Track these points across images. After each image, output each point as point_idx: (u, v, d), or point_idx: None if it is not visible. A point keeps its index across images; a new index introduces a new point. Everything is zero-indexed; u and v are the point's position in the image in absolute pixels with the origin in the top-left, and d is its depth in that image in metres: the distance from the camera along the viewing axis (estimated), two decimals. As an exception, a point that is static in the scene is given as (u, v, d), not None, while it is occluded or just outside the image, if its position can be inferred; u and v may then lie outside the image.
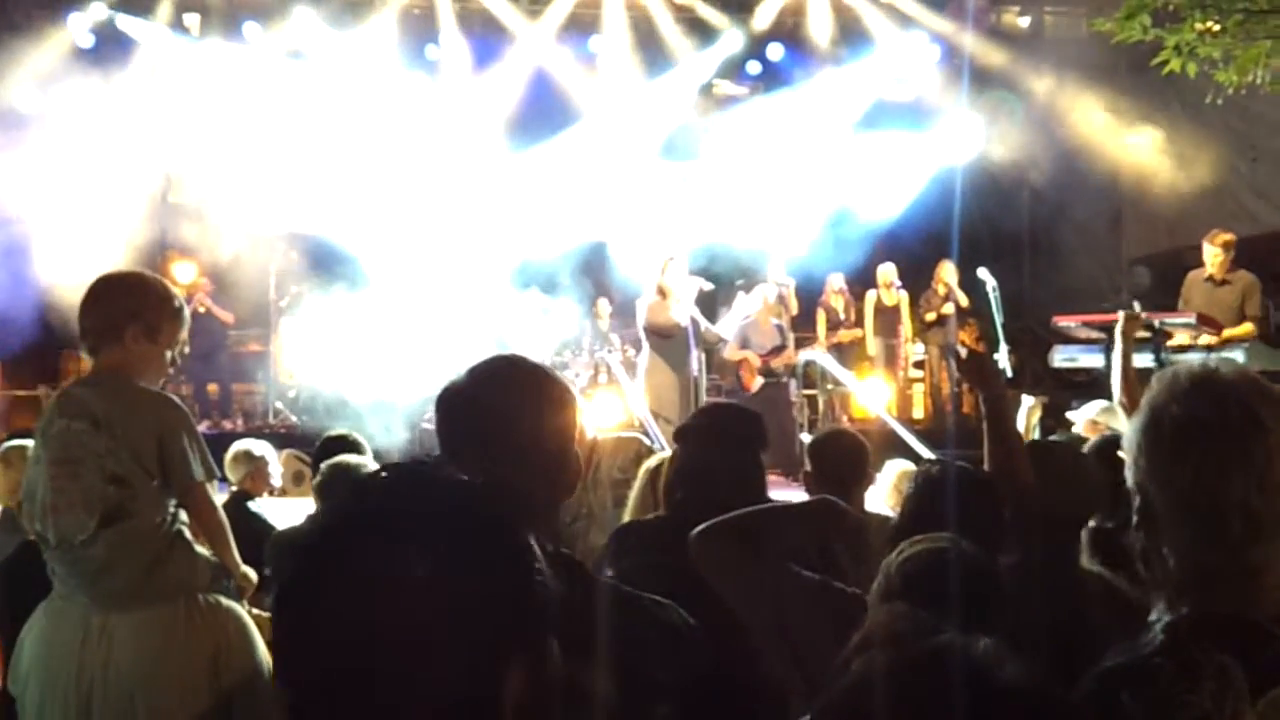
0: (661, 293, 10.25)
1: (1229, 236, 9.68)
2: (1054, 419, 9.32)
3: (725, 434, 3.53)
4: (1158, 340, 8.59)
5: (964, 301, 13.61)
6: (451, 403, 2.30)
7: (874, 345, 14.41)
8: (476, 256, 13.40)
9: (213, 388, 14.01)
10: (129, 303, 3.74)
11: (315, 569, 1.27)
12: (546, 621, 1.30)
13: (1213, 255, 9.64)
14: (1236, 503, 1.66)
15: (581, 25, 15.55)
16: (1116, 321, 5.66)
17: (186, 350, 13.20)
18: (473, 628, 1.20)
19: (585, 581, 2.23)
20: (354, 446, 5.41)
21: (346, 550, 1.24)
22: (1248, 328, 9.22)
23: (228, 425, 13.20)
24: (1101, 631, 2.08)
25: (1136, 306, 6.06)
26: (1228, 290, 9.55)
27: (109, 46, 14.10)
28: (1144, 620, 1.75)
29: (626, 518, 4.71)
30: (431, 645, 1.18)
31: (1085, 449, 4.20)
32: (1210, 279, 9.63)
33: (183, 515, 3.72)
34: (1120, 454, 1.84)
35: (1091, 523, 4.02)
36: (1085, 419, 6.79)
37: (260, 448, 6.24)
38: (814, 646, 2.72)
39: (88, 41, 14.18)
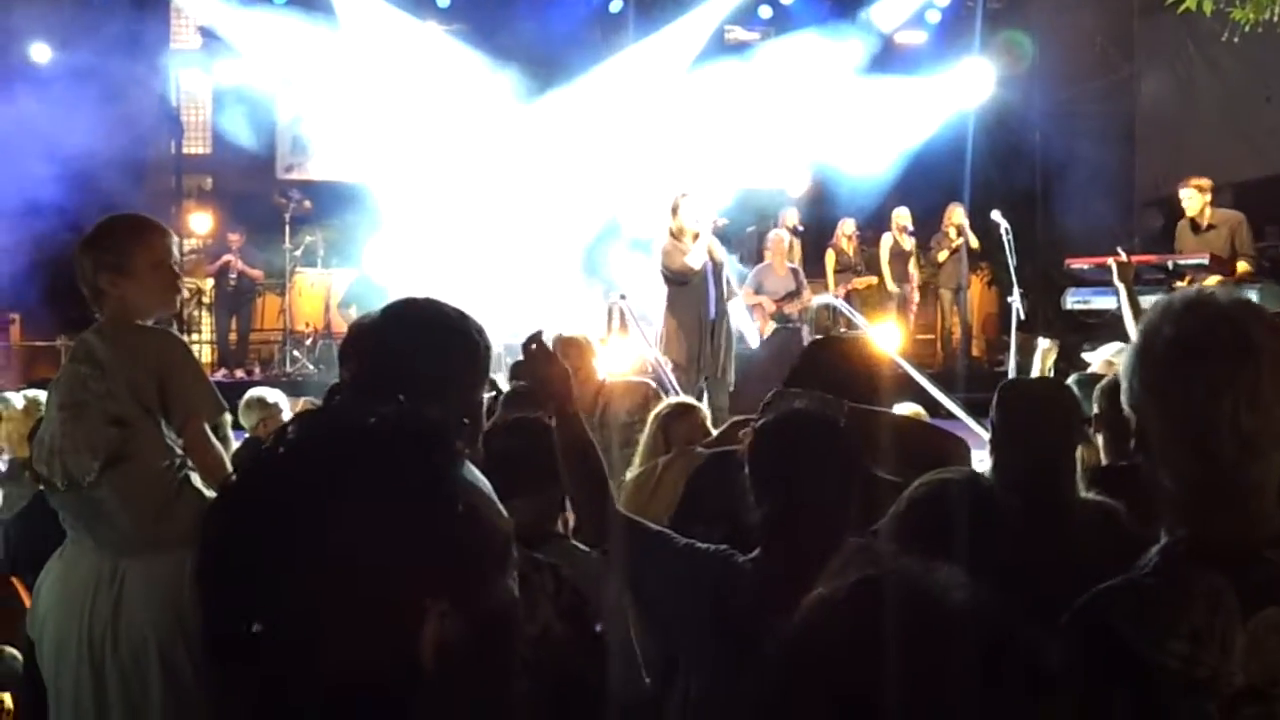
0: (675, 235, 9.47)
1: (1204, 180, 9.59)
2: (1066, 361, 9.31)
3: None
4: (1170, 282, 8.57)
5: (974, 243, 13.57)
6: (361, 340, 2.40)
7: (892, 288, 14.40)
8: (490, 205, 13.40)
9: (231, 337, 14.09)
10: (88, 259, 3.68)
11: (231, 515, 1.20)
12: (477, 557, 1.20)
13: (1189, 198, 9.56)
14: (1228, 422, 1.63)
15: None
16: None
17: (207, 300, 13.13)
18: (389, 563, 1.13)
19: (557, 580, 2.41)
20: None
21: (263, 492, 1.18)
22: (1244, 267, 9.16)
23: (241, 374, 13.27)
24: (1097, 559, 2.06)
25: (1124, 255, 6.04)
26: (1214, 234, 9.48)
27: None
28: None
29: (635, 461, 4.79)
30: (349, 582, 1.11)
31: (1099, 387, 4.21)
32: (1195, 225, 9.56)
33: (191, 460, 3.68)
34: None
35: (1103, 461, 4.05)
36: (1101, 359, 6.81)
37: (273, 395, 6.30)
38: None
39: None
